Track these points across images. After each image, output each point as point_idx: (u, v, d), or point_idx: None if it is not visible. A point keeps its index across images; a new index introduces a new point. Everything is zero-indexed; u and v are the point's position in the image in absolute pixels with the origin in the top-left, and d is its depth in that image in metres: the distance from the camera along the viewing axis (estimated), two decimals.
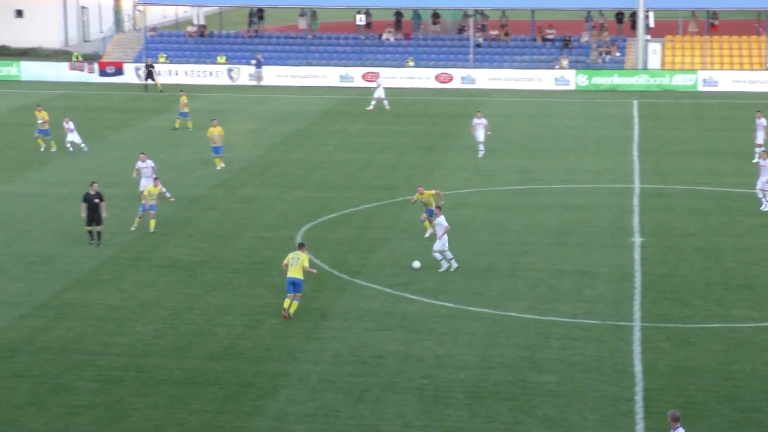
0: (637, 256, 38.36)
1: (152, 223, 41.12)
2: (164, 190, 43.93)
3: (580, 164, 53.87)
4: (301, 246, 32.97)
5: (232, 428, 25.19)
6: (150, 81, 78.59)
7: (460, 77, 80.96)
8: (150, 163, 44.94)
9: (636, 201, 46.15)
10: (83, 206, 39.45)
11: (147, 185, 42.68)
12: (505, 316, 32.37)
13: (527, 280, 35.71)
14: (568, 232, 41.55)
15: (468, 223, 42.63)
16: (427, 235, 39.86)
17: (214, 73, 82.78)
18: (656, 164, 53.56)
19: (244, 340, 30.43)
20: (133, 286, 35.01)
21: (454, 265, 36.46)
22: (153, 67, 79.48)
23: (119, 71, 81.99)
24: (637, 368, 28.46)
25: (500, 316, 32.37)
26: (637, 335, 30.78)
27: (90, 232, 39.45)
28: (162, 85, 78.61)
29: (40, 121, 56.25)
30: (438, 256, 36.44)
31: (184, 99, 63.19)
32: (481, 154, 54.57)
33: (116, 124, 64.85)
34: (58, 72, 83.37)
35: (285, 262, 32.40)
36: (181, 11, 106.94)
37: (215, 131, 51.21)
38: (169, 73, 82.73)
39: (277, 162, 54.20)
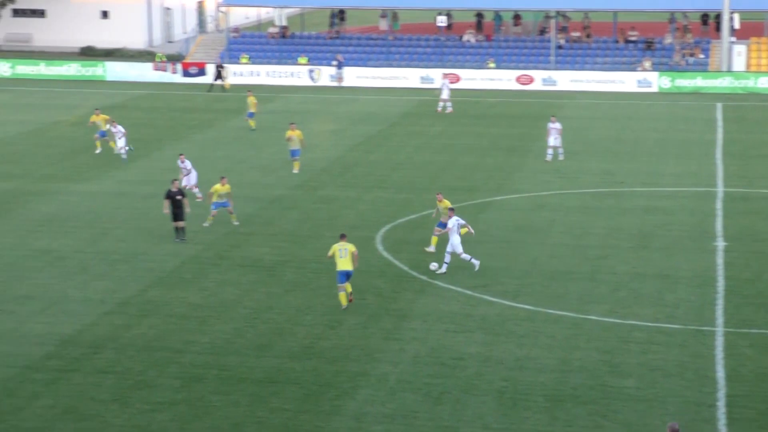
0: (720, 260, 37.93)
1: (233, 217, 41.65)
2: (196, 190, 45.32)
3: (662, 167, 53.36)
4: (343, 236, 33.50)
5: (311, 427, 25.33)
6: (218, 81, 79.32)
7: (541, 79, 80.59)
8: (188, 164, 46.02)
9: (719, 205, 45.61)
10: (165, 203, 40.04)
11: (188, 185, 44.84)
12: (585, 319, 32.17)
13: (608, 284, 35.46)
14: (650, 235, 41.19)
15: (548, 226, 42.43)
16: (429, 249, 38.56)
17: (295, 74, 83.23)
18: (741, 168, 52.89)
19: (323, 340, 30.57)
20: (214, 285, 35.34)
21: (444, 269, 36.25)
22: (223, 67, 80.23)
23: (202, 72, 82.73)
24: (720, 374, 28.14)
25: (580, 319, 32.18)
26: (719, 340, 30.43)
27: (176, 229, 39.97)
28: (233, 86, 79.06)
29: (95, 123, 56.68)
30: (447, 257, 36.43)
31: (252, 99, 63.60)
32: (549, 157, 53.99)
33: (198, 124, 65.46)
34: (142, 72, 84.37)
35: (330, 253, 33.03)
36: (264, 12, 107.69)
37: (293, 134, 51.31)
38: (251, 73, 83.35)
39: (357, 163, 54.37)
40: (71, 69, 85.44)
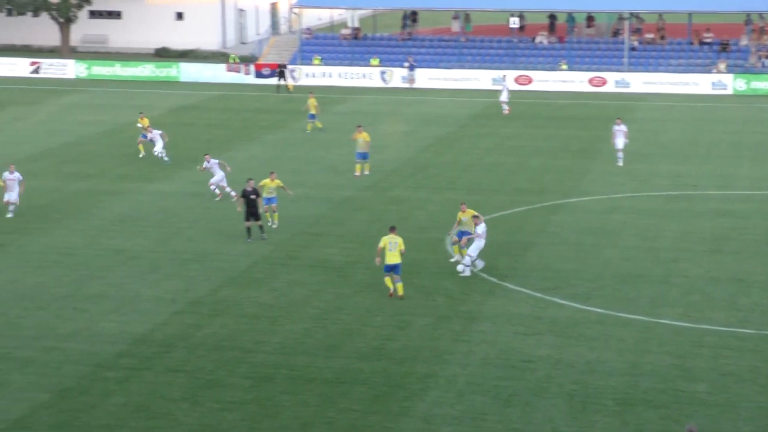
0: None
1: (275, 216, 42.04)
2: (228, 189, 46.06)
3: (736, 170, 52.73)
4: (393, 229, 34.08)
5: (380, 428, 25.35)
6: (282, 82, 79.79)
7: (614, 81, 80.00)
8: (214, 162, 46.69)
9: None
10: (240, 201, 40.36)
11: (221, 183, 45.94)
12: (657, 323, 31.88)
13: (680, 287, 35.11)
14: (723, 238, 40.72)
15: (620, 228, 42.11)
16: (453, 260, 37.67)
17: (366, 76, 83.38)
18: None
19: (392, 341, 30.59)
20: (285, 285, 35.49)
21: (468, 272, 36.14)
22: (285, 68, 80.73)
23: (274, 73, 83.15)
24: None
25: (652, 323, 31.89)
26: None
27: (248, 229, 40.22)
28: (303, 87, 79.41)
29: (139, 126, 57.03)
30: (468, 260, 36.18)
31: (313, 101, 63.79)
32: (620, 162, 53.52)
33: (270, 124, 65.80)
34: (215, 73, 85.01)
35: (381, 245, 33.65)
36: (336, 14, 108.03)
37: (360, 137, 51.23)
38: (323, 75, 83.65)
39: (428, 164, 54.34)
40: (146, 70, 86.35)
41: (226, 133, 63.01)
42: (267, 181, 41.93)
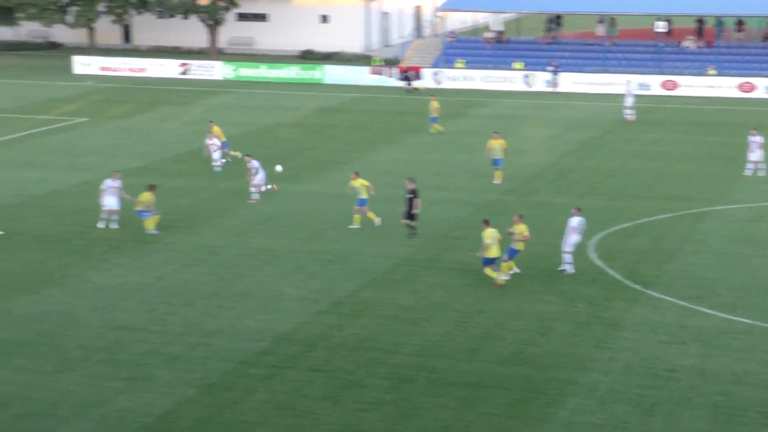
0: None
1: (372, 215, 42.52)
2: (269, 187, 46.95)
3: None
4: (488, 222, 35.34)
5: None
6: (410, 86, 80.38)
7: (764, 87, 78.23)
8: (255, 163, 47.13)
9: None
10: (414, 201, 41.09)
11: (261, 185, 46.74)
12: None
13: None
14: None
15: None
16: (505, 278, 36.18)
17: (509, 79, 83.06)
18: None
19: (533, 346, 30.42)
20: (425, 287, 35.57)
21: (571, 268, 36.67)
22: (408, 71, 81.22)
23: (417, 76, 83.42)
24: None
25: None
26: None
27: (408, 226, 40.82)
28: (444, 89, 79.57)
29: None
30: (568, 257, 36.48)
31: (435, 104, 63.76)
32: (748, 172, 52.18)
33: (412, 127, 65.93)
34: (358, 75, 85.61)
35: (488, 241, 34.89)
36: (480, 17, 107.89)
37: (495, 143, 50.86)
38: (465, 78, 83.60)
39: (571, 169, 53.89)
40: (291, 72, 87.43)
41: (368, 136, 63.41)
42: (358, 181, 42.53)
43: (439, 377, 28.36)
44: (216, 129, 54.58)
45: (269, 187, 47.19)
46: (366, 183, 42.66)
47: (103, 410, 26.41)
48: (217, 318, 32.76)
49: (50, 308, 33.56)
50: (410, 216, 40.71)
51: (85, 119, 68.77)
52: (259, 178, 47.10)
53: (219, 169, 52.96)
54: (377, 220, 42.61)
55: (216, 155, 53.37)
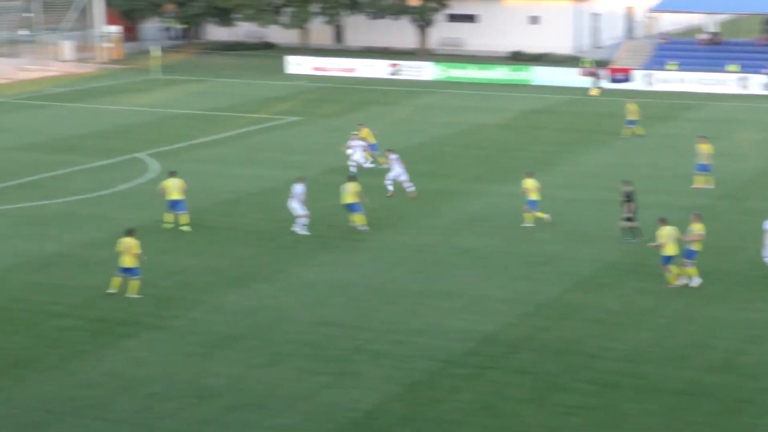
0: None
1: (527, 217, 42.66)
2: (408, 185, 47.43)
3: None
4: (664, 221, 35.71)
5: None
6: (600, 85, 79.41)
7: None
8: (394, 157, 47.63)
9: None
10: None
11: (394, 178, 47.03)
12: None
13: None
14: None
15: None
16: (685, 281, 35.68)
17: (723, 82, 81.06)
18: None
19: (743, 355, 29.69)
20: (632, 292, 35.10)
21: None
22: (595, 70, 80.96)
23: (627, 77, 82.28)
24: None
25: None
26: None
27: (623, 229, 40.81)
28: (653, 92, 78.15)
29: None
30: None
31: (633, 107, 62.63)
32: None
33: (619, 130, 64.87)
34: (567, 77, 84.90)
35: (663, 241, 34.77)
36: (694, 18, 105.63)
37: (703, 148, 49.66)
38: (677, 80, 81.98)
39: None
40: (500, 73, 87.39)
41: (576, 137, 62.85)
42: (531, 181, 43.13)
43: (646, 383, 27.95)
44: (365, 131, 54.98)
45: (389, 184, 47.57)
46: (537, 184, 42.67)
47: (310, 404, 26.99)
48: (421, 316, 33.05)
49: (260, 303, 34.46)
50: (627, 218, 40.41)
51: (298, 118, 70.26)
52: (394, 173, 47.37)
53: (355, 169, 51.86)
54: (546, 217, 43.01)
55: (357, 155, 52.76)
